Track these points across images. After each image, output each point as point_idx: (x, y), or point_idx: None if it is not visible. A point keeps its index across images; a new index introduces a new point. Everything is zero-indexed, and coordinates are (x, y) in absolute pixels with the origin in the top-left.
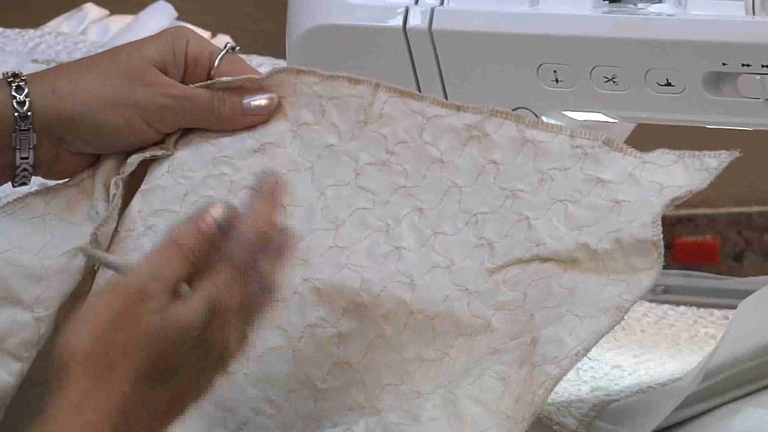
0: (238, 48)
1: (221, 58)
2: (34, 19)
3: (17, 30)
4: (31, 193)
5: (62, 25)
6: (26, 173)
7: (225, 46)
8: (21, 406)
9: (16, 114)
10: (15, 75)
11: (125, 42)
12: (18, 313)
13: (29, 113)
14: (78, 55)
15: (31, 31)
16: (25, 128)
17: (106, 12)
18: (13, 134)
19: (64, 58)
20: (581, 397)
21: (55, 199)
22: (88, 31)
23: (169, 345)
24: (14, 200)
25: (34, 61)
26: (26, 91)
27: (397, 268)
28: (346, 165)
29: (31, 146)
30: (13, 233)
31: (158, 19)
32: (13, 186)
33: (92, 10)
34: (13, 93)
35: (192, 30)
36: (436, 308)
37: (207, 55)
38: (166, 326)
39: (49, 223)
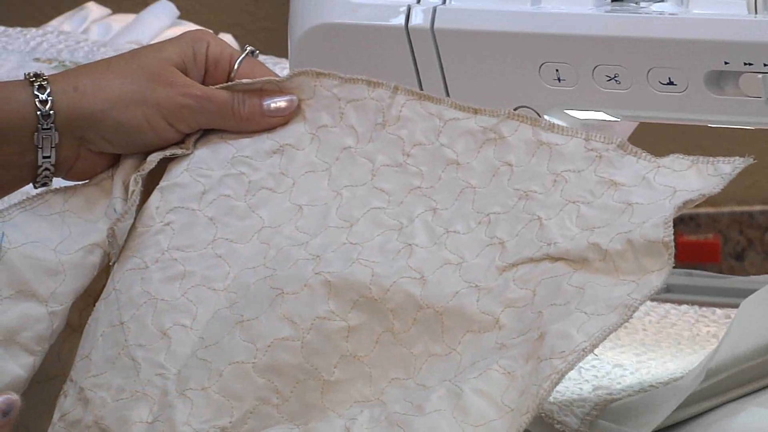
0: (257, 51)
1: (241, 61)
2: (36, 18)
3: (19, 29)
4: (51, 190)
5: (64, 23)
6: (48, 173)
7: (245, 49)
8: (33, 401)
9: (38, 113)
10: (37, 75)
11: (127, 40)
12: (33, 307)
13: (51, 112)
14: (80, 54)
15: (33, 30)
16: (48, 127)
17: (107, 11)
18: (36, 133)
19: (65, 57)
20: (583, 396)
21: (74, 197)
22: (89, 30)
23: None
24: (33, 196)
25: (36, 59)
26: (48, 90)
27: (408, 263)
28: (363, 166)
29: (53, 145)
30: (30, 228)
31: (160, 18)
32: (35, 187)
33: (94, 9)
34: (36, 92)
35: (211, 33)
36: (445, 304)
37: (227, 58)
38: None
39: (67, 219)
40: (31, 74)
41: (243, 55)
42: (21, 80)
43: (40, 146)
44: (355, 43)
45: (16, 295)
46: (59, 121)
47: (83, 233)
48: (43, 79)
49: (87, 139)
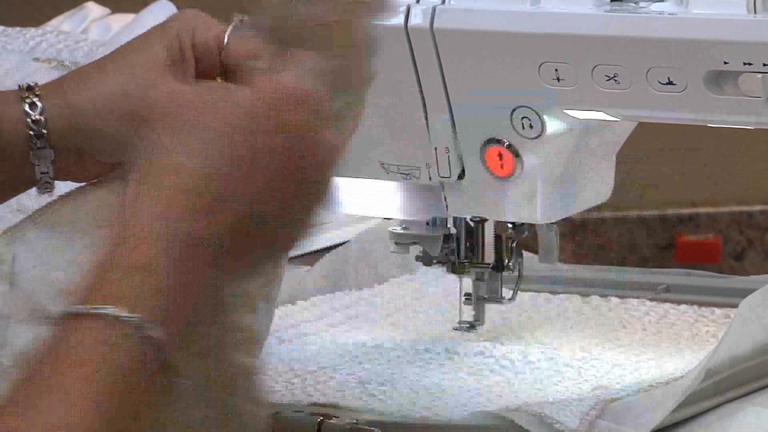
0: (246, 17)
1: (228, 40)
2: (36, 18)
3: (18, 28)
4: (61, 199)
5: (63, 23)
6: (48, 182)
7: (231, 22)
8: None
9: (31, 133)
10: (29, 88)
11: (127, 40)
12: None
13: (44, 131)
14: (79, 54)
15: (33, 30)
16: (42, 146)
17: (107, 10)
18: (31, 152)
19: (65, 56)
20: (582, 395)
21: (84, 204)
22: (89, 30)
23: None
24: (44, 207)
25: (36, 59)
26: (40, 107)
27: None
28: None
29: (50, 162)
30: (41, 246)
31: (160, 18)
32: (39, 193)
33: (93, 9)
34: (28, 110)
35: (198, 15)
36: None
37: (214, 42)
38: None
39: (78, 227)
40: (24, 87)
41: (228, 30)
42: (13, 92)
43: (37, 164)
44: None
45: (30, 318)
46: (54, 139)
47: (93, 246)
48: (35, 94)
49: (85, 150)
